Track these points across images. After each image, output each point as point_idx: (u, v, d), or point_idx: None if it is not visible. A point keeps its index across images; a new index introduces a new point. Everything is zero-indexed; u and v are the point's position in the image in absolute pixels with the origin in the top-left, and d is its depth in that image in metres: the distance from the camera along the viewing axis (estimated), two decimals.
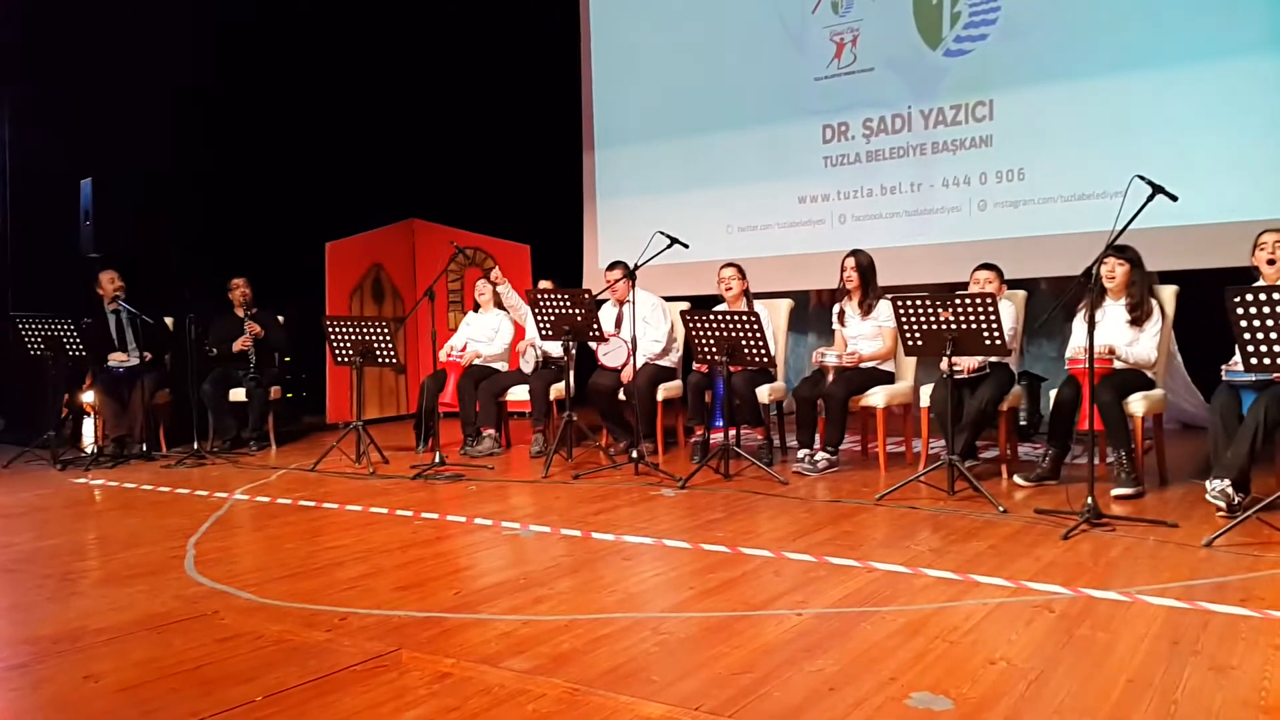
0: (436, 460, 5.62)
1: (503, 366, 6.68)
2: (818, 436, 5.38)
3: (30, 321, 6.27)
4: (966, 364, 4.90)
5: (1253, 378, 3.97)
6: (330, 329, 6.00)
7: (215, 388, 6.73)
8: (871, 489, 4.79)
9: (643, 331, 6.00)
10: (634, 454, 5.41)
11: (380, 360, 5.93)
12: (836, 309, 5.72)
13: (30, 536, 4.25)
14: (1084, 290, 4.08)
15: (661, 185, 8.15)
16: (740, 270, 5.88)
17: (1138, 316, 4.68)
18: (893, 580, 3.23)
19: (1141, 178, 3.87)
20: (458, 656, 2.58)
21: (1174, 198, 3.88)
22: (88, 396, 6.78)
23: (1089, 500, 3.89)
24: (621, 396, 6.08)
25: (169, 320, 6.91)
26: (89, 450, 6.63)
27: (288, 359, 7.44)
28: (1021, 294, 5.44)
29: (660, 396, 6.07)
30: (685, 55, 8.04)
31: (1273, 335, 3.52)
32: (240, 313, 6.92)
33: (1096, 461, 4.52)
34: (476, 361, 6.51)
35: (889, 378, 5.47)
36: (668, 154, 8.15)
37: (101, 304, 6.68)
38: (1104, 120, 6.36)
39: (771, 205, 7.68)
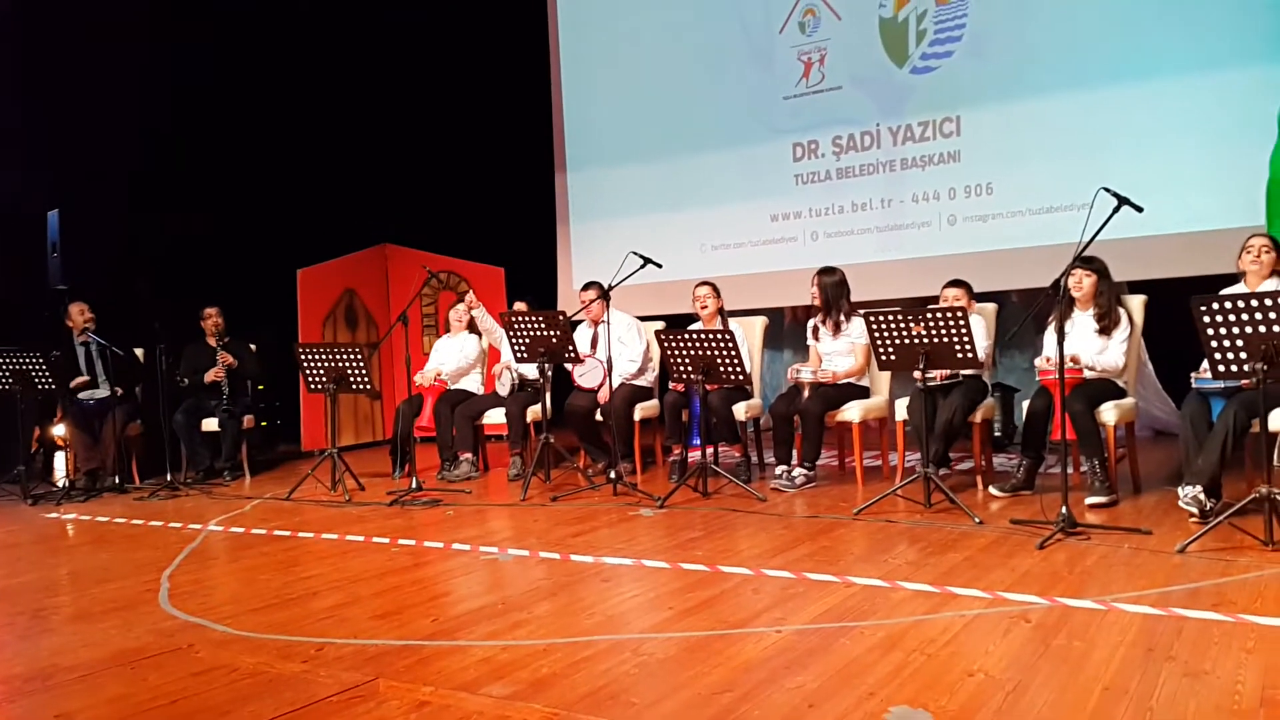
0: (413, 486, 5.59)
1: (477, 389, 6.66)
2: (795, 452, 5.39)
3: None
4: (938, 370, 4.93)
5: (1221, 385, 4.01)
6: (303, 356, 5.96)
7: (188, 418, 6.66)
8: (849, 504, 4.81)
9: (618, 352, 6.00)
10: (612, 474, 5.40)
11: (354, 386, 5.90)
12: (811, 325, 5.75)
13: (0, 574, 4.19)
14: (1053, 302, 4.13)
15: (634, 205, 8.19)
16: (715, 288, 5.92)
17: (1106, 325, 4.73)
18: (871, 594, 3.24)
19: (1107, 190, 3.93)
20: (436, 684, 2.56)
21: (1139, 209, 3.94)
22: (58, 430, 6.70)
23: (1063, 509, 3.92)
24: (599, 417, 6.08)
25: (139, 351, 6.84)
26: (60, 484, 6.53)
27: (261, 387, 7.39)
28: (992, 308, 5.49)
29: (637, 416, 6.07)
30: (655, 77, 8.10)
31: (1239, 343, 3.57)
32: (213, 342, 6.87)
33: (1070, 470, 4.56)
34: (451, 386, 6.48)
35: (864, 392, 5.50)
36: (640, 175, 8.20)
37: (71, 336, 6.61)
38: (1070, 134, 6.46)
39: (744, 223, 7.73)
